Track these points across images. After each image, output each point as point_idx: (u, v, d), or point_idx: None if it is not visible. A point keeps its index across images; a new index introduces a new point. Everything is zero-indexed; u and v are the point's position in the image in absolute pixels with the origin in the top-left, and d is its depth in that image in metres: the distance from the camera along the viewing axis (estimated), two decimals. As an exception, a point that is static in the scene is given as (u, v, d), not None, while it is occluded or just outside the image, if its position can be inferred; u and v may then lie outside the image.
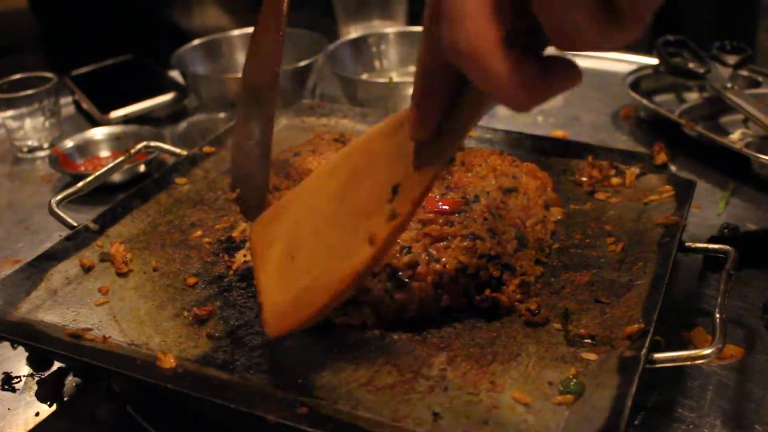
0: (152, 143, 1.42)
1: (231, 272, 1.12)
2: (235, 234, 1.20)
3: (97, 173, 1.30)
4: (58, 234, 1.27)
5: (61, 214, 1.20)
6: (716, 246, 1.12)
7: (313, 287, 0.86)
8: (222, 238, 1.19)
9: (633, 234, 1.16)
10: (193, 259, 1.15)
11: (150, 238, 1.20)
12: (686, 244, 1.13)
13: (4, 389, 1.04)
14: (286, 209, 0.93)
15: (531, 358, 0.94)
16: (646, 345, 0.89)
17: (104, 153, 1.67)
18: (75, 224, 1.18)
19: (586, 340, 0.95)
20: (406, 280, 0.99)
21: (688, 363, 0.91)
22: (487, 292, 1.01)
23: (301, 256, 0.88)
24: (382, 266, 0.99)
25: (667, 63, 1.74)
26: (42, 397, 1.04)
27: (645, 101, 1.70)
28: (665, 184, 1.26)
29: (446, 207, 1.08)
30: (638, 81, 1.82)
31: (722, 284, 1.01)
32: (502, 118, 1.74)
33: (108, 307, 1.05)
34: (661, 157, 1.32)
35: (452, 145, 0.79)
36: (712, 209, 1.39)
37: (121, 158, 1.35)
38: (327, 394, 0.89)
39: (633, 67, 1.87)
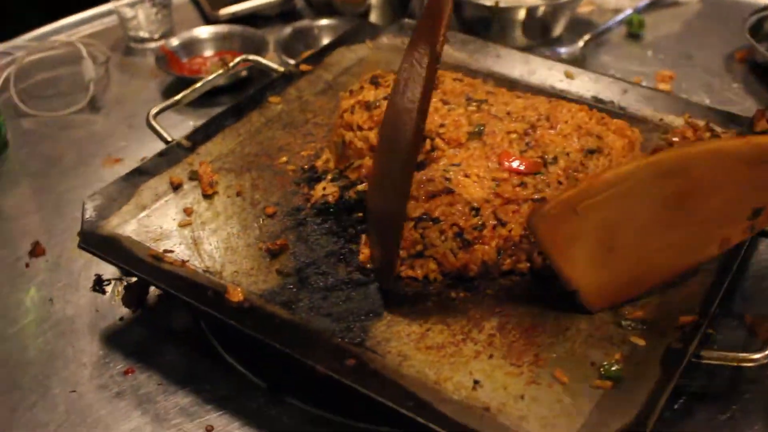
0: (251, 57, 1.45)
1: (309, 205, 1.16)
2: (318, 163, 1.23)
3: (195, 86, 1.35)
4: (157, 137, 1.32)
5: (157, 127, 1.26)
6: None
7: (640, 273, 0.99)
8: (305, 166, 1.23)
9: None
10: (275, 187, 1.19)
11: (238, 159, 1.25)
12: None
13: (95, 290, 1.13)
14: (586, 209, 0.95)
15: (580, 334, 0.96)
16: (695, 341, 0.90)
17: (208, 52, 1.72)
18: (169, 139, 1.24)
19: (638, 324, 0.96)
20: (472, 241, 1.02)
21: (734, 364, 0.91)
22: (549, 260, 1.02)
23: (621, 248, 0.97)
24: (450, 225, 1.02)
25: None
26: (127, 302, 1.13)
27: (762, 48, 1.60)
28: (761, 154, 1.21)
29: (522, 167, 1.08)
30: (760, 22, 1.70)
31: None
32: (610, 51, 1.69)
33: (190, 229, 1.12)
34: (762, 125, 1.26)
35: None
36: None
37: (219, 72, 1.39)
38: (379, 347, 0.94)
39: (759, 4, 1.75)
